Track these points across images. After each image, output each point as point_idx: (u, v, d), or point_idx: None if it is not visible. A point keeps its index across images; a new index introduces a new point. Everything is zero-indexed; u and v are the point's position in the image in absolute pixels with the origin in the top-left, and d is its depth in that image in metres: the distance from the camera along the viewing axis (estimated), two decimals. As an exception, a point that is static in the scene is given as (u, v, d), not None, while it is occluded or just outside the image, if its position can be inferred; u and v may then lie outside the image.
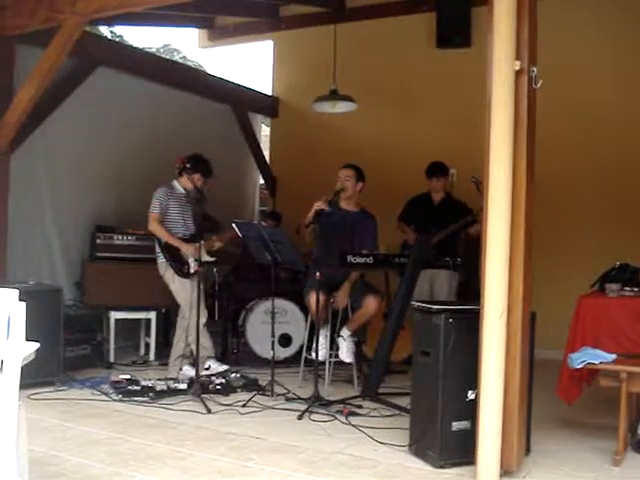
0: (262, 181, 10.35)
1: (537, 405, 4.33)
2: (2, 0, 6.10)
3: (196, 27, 10.09)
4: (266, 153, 10.36)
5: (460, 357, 4.02)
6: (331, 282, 5.98)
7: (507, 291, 3.74)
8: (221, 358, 6.68)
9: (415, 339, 4.37)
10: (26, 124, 6.34)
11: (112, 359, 6.81)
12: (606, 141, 7.53)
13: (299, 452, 4.32)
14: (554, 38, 6.54)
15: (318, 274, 5.42)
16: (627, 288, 4.92)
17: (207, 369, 6.20)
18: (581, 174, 7.66)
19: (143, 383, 5.67)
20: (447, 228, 6.74)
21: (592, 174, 7.62)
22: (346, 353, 6.01)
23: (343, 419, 5.02)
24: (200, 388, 5.48)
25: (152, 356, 7.06)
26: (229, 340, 7.38)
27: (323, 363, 5.92)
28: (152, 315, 7.08)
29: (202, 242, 6.11)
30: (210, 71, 14.14)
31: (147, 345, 7.18)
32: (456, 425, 4.05)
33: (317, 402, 5.29)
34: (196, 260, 5.99)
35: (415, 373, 4.39)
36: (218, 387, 5.75)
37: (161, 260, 6.28)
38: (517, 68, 3.73)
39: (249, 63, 33.85)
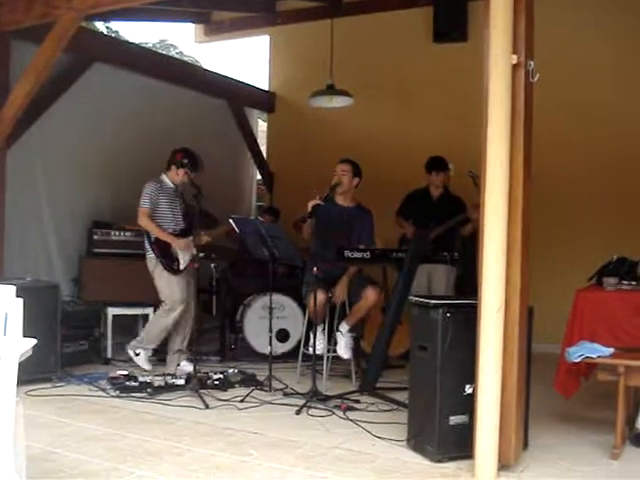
0: (259, 176, 10.35)
1: (535, 399, 4.33)
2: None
3: (192, 22, 10.07)
4: (263, 148, 10.36)
5: (458, 351, 4.02)
6: (329, 277, 5.98)
7: (504, 285, 3.74)
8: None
9: (413, 334, 4.38)
10: (22, 120, 6.33)
11: (110, 355, 6.80)
12: (604, 138, 7.53)
13: (297, 447, 4.32)
14: (552, 35, 6.58)
15: (315, 269, 5.42)
16: (625, 282, 4.92)
17: (137, 355, 6.24)
18: (579, 170, 7.66)
19: (141, 379, 5.67)
20: (443, 225, 6.74)
21: (590, 170, 7.62)
22: (344, 349, 6.01)
23: (341, 414, 5.02)
24: (198, 384, 5.49)
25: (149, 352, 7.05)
26: (227, 335, 7.37)
27: (321, 358, 5.92)
28: (149, 311, 7.05)
29: (191, 238, 6.19)
30: (206, 66, 14.14)
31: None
32: (454, 419, 4.05)
33: (315, 397, 5.29)
34: (192, 256, 6.00)
35: (413, 368, 4.39)
36: (216, 382, 5.75)
37: (150, 255, 6.25)
38: (514, 62, 3.72)
39: (245, 58, 33.80)
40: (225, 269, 7.63)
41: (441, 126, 8.28)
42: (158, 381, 5.65)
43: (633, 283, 4.91)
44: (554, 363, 4.78)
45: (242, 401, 5.35)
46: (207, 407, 5.17)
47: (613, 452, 4.13)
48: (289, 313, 7.16)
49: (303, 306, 6.56)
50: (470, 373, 3.89)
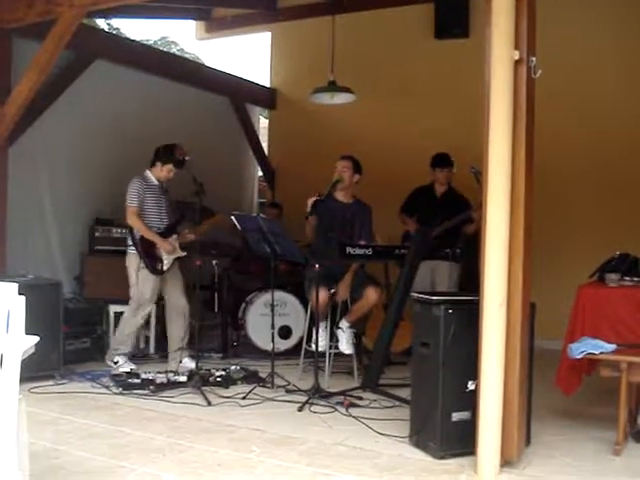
0: (261, 173, 10.34)
1: (537, 396, 4.33)
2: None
3: (193, 19, 10.07)
4: (264, 145, 10.35)
5: (460, 348, 4.02)
6: (331, 274, 5.98)
7: (507, 282, 3.74)
8: (132, 357, 6.57)
9: (415, 330, 4.38)
10: (24, 117, 6.32)
11: (112, 352, 6.80)
12: (607, 133, 7.50)
13: (300, 444, 4.32)
14: (555, 31, 6.57)
15: (317, 266, 5.42)
16: (627, 278, 4.92)
17: (115, 363, 6.18)
18: (582, 166, 7.64)
19: (143, 376, 5.68)
20: (445, 223, 6.73)
21: (593, 166, 7.60)
22: (346, 345, 6.02)
23: (343, 410, 5.03)
24: (200, 380, 5.49)
25: (152, 349, 7.06)
26: (229, 332, 7.38)
27: (323, 355, 5.92)
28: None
29: (176, 236, 6.24)
30: (208, 63, 14.13)
31: (147, 338, 7.17)
32: (456, 416, 4.05)
33: (317, 394, 5.29)
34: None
35: (415, 364, 4.39)
36: (218, 379, 5.75)
37: (132, 251, 6.23)
38: (516, 58, 3.72)
39: (247, 55, 33.81)
40: (227, 266, 7.62)
41: (443, 122, 8.26)
42: (160, 378, 5.66)
43: (635, 279, 4.91)
44: (556, 359, 4.79)
45: (244, 398, 5.35)
46: (209, 404, 5.17)
47: (615, 448, 4.13)
48: (291, 310, 7.16)
49: (305, 303, 6.56)
50: (472, 370, 3.89)
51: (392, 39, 8.72)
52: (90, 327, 6.58)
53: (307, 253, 6.06)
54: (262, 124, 10.82)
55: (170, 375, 5.75)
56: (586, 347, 4.25)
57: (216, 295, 7.42)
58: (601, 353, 4.21)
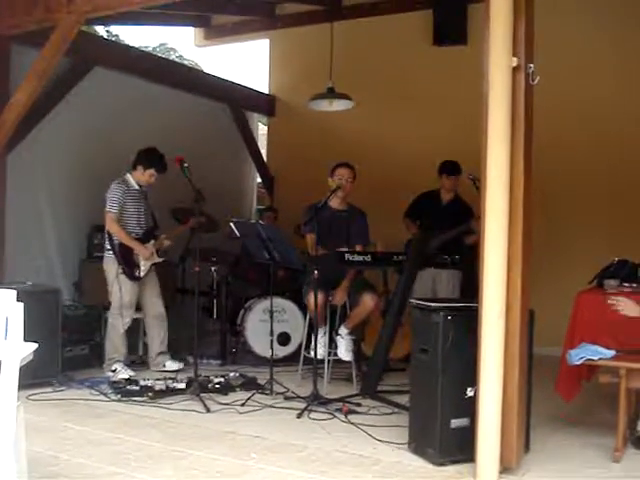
0: (259, 179, 10.35)
1: (536, 402, 4.33)
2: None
3: (192, 26, 10.08)
4: (263, 151, 10.36)
5: (459, 354, 4.02)
6: (329, 280, 5.97)
7: (506, 288, 3.74)
8: (129, 364, 6.58)
9: (414, 337, 4.37)
10: (23, 124, 6.34)
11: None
12: (607, 139, 7.49)
13: (298, 451, 4.32)
14: (552, 35, 6.56)
15: (316, 273, 5.42)
16: (626, 284, 4.92)
17: (113, 371, 6.16)
18: (581, 172, 7.62)
19: (142, 383, 5.67)
20: (445, 234, 6.72)
21: (592, 172, 7.59)
22: (345, 352, 6.01)
23: (342, 417, 5.02)
24: (199, 387, 5.48)
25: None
26: (228, 339, 7.37)
27: (322, 361, 5.92)
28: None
29: (153, 242, 6.29)
30: (207, 70, 14.15)
31: (145, 345, 7.16)
32: (455, 422, 4.05)
33: (316, 400, 5.28)
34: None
35: (414, 371, 4.39)
36: (217, 386, 5.75)
37: (110, 256, 6.24)
38: (514, 65, 3.72)
39: (245, 62, 33.86)
40: (226, 272, 7.62)
41: (441, 128, 8.27)
42: (159, 385, 5.65)
43: (634, 285, 4.90)
44: (556, 366, 4.78)
45: (243, 405, 5.34)
46: (208, 411, 5.16)
47: (615, 455, 4.13)
48: (290, 316, 7.15)
49: (304, 310, 6.56)
50: (471, 376, 3.89)
51: (390, 46, 8.73)
52: (89, 334, 6.57)
53: (305, 259, 6.06)
54: (261, 131, 10.85)
55: (169, 382, 5.74)
56: (585, 353, 4.24)
57: (215, 301, 7.42)
58: (600, 359, 4.20)
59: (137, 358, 6.97)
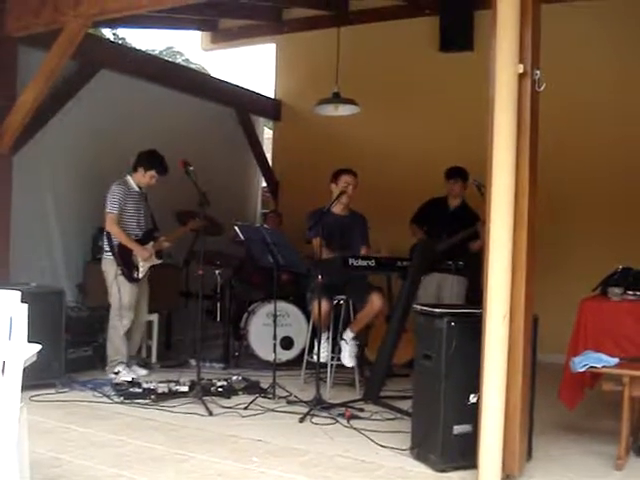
0: (264, 183, 10.36)
1: (539, 409, 4.31)
2: (5, 2, 6.12)
3: (199, 30, 10.10)
4: (268, 156, 10.37)
5: (462, 361, 4.02)
6: (334, 286, 5.97)
7: (509, 295, 3.73)
8: (143, 364, 6.66)
9: (417, 342, 4.37)
10: (29, 126, 6.35)
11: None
12: (612, 145, 7.48)
13: (301, 455, 4.32)
14: (556, 40, 6.54)
15: (320, 277, 5.42)
16: (630, 292, 4.90)
17: (116, 373, 6.15)
18: (586, 178, 7.61)
19: (145, 385, 5.69)
20: (451, 239, 6.72)
21: (597, 178, 7.58)
22: (348, 357, 5.99)
23: (345, 422, 5.02)
24: (202, 390, 5.48)
25: (154, 358, 7.06)
26: (231, 342, 7.37)
27: (325, 366, 5.91)
28: (154, 317, 7.06)
29: (152, 244, 6.30)
30: (213, 74, 14.17)
31: (149, 347, 7.17)
32: (458, 429, 4.04)
33: (319, 405, 5.28)
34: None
35: (417, 376, 4.38)
36: (220, 389, 5.75)
37: (109, 257, 6.26)
38: (520, 71, 3.72)
39: (252, 66, 33.90)
40: (230, 276, 7.62)
41: (447, 134, 8.27)
42: (162, 388, 5.66)
43: (638, 293, 4.89)
44: (559, 373, 4.77)
45: (246, 408, 5.34)
46: (211, 414, 5.16)
47: (617, 463, 4.12)
48: (293, 321, 7.15)
49: (307, 314, 6.56)
50: (474, 382, 3.88)
51: (397, 51, 8.74)
52: (92, 336, 6.57)
53: (309, 264, 6.06)
54: (266, 135, 10.84)
55: (172, 385, 5.74)
56: (588, 360, 4.24)
57: (219, 305, 7.42)
58: (603, 367, 4.19)
59: (140, 360, 6.97)
